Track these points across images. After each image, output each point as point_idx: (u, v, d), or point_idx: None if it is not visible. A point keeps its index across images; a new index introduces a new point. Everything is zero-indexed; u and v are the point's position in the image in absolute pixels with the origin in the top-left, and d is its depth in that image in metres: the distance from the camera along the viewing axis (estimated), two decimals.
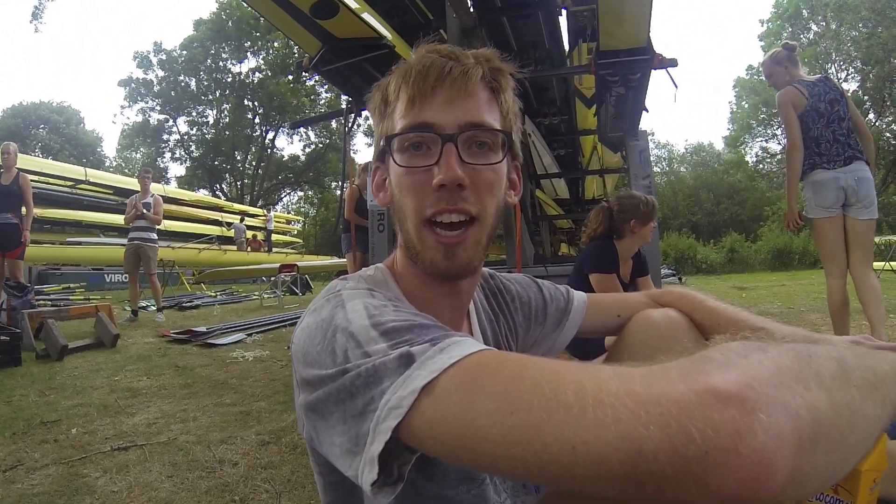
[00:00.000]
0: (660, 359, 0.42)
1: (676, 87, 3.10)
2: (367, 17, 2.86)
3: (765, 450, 0.34)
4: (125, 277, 7.23)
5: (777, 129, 28.00)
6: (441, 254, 0.65)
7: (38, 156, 26.75)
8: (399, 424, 0.45)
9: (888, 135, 24.28)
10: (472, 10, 3.21)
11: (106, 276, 12.92)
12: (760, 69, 3.54)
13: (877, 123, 24.85)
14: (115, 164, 36.14)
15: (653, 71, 3.14)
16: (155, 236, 6.52)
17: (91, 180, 14.13)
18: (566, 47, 4.27)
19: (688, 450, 0.34)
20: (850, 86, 26.51)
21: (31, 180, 12.65)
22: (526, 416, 0.40)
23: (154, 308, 6.81)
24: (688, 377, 0.37)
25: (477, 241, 0.66)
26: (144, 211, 6.29)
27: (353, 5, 2.78)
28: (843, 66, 26.60)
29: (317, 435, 0.57)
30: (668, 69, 3.05)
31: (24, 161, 13.18)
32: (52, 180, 13.21)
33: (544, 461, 0.38)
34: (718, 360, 0.39)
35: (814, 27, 28.14)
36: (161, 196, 7.07)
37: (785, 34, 28.60)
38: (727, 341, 0.44)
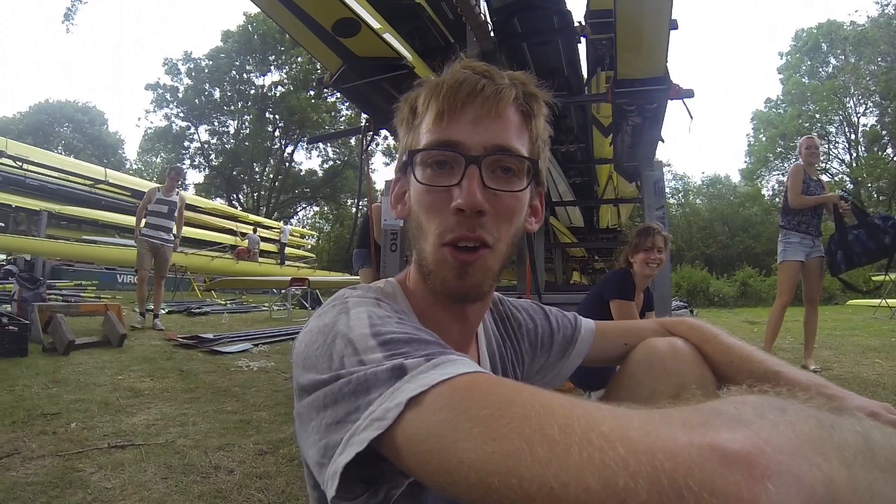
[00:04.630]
0: (664, 403, 0.39)
1: (692, 118, 3.11)
2: (388, 37, 2.89)
3: None
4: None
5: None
6: (454, 272, 0.63)
7: (61, 153, 27.32)
8: (380, 437, 0.43)
9: None
10: (492, 34, 3.25)
11: (118, 276, 13.06)
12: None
13: (895, 158, 24.63)
14: (135, 167, 36.82)
15: (669, 101, 3.16)
16: (173, 238, 6.14)
17: (110, 181, 14.33)
18: (585, 75, 4.31)
19: None
20: (869, 119, 26.50)
21: (52, 177, 12.84)
22: (507, 446, 0.37)
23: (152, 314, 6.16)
24: (692, 430, 0.34)
25: (488, 266, 0.65)
26: (176, 235, 6.13)
27: (375, 25, 2.82)
28: (861, 100, 26.60)
29: (301, 446, 0.55)
30: (685, 100, 3.07)
31: (47, 157, 13.50)
32: (72, 178, 13.47)
33: (519, 498, 0.35)
34: (730, 414, 0.36)
35: (833, 60, 28.30)
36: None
37: (804, 67, 28.68)
38: (743, 393, 0.40)
